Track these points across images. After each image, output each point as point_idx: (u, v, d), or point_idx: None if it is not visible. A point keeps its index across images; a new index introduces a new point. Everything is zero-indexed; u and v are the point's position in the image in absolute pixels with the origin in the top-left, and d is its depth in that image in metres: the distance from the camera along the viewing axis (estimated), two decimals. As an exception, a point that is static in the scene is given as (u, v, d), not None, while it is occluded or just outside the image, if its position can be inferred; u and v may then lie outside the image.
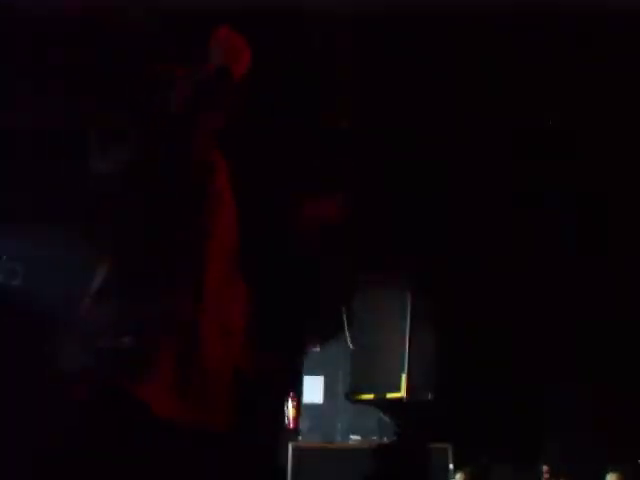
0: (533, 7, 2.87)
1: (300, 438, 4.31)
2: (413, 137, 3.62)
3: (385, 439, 4.33)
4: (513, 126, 3.79)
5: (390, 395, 4.30)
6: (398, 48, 3.06)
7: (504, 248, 4.35)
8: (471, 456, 4.24)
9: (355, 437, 4.45)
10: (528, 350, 4.49)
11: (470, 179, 4.07)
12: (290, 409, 4.21)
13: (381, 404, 4.35)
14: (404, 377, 4.28)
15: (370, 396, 4.30)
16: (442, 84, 3.36)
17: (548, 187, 4.09)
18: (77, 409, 1.26)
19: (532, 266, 4.43)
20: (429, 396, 4.24)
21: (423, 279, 4.59)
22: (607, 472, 4.08)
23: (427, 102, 3.51)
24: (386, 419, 4.40)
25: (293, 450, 3.93)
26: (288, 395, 4.02)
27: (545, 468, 4.30)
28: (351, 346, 4.48)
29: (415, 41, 3.05)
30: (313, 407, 4.56)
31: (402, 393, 4.26)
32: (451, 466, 4.10)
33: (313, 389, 4.59)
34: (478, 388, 4.43)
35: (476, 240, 4.41)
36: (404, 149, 3.64)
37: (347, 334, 4.46)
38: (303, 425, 4.42)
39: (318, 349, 4.47)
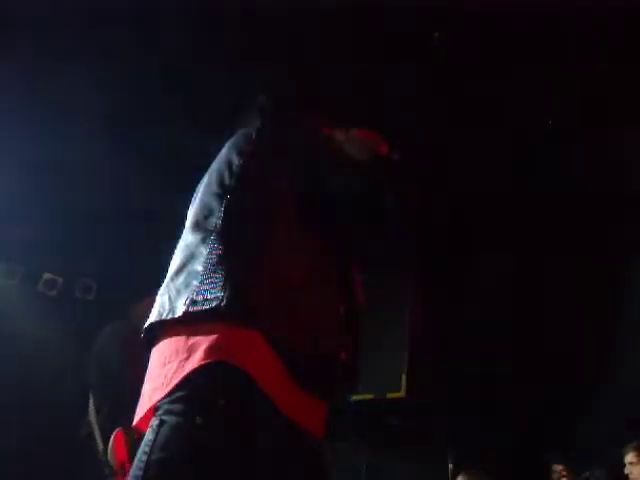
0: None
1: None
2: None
3: (384, 439, 4.34)
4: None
5: (390, 395, 4.30)
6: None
7: (503, 248, 4.34)
8: (471, 456, 4.23)
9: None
10: (528, 349, 4.48)
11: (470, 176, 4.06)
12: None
13: (381, 404, 4.35)
14: (404, 377, 4.28)
15: (370, 396, 4.30)
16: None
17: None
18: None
19: (532, 268, 4.43)
20: (429, 395, 4.25)
21: (423, 279, 4.59)
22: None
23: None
24: (386, 419, 4.41)
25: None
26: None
27: (559, 467, 4.22)
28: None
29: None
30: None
31: (402, 393, 4.26)
32: (451, 466, 4.11)
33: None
34: (478, 388, 4.42)
35: (475, 239, 4.41)
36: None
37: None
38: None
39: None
